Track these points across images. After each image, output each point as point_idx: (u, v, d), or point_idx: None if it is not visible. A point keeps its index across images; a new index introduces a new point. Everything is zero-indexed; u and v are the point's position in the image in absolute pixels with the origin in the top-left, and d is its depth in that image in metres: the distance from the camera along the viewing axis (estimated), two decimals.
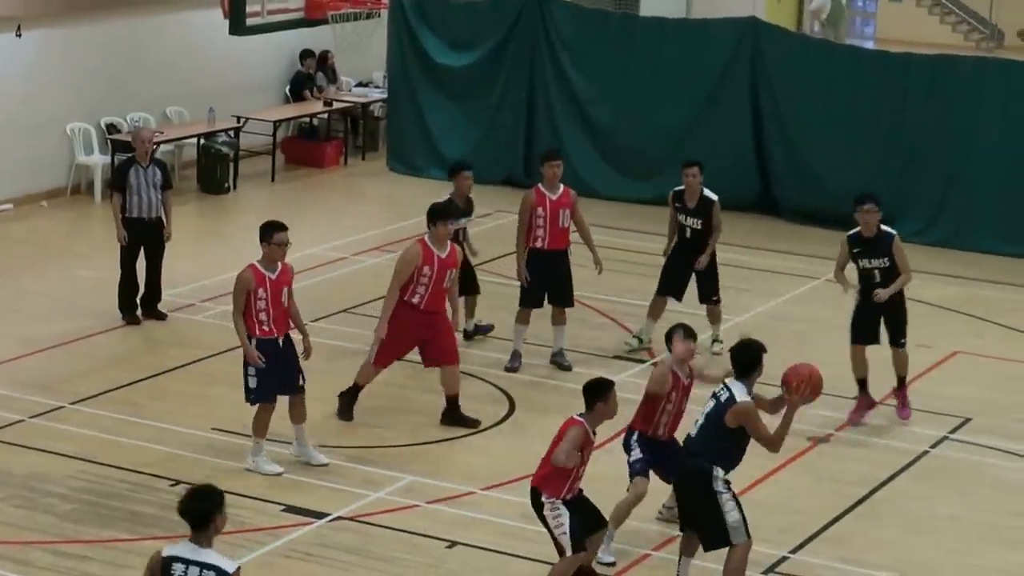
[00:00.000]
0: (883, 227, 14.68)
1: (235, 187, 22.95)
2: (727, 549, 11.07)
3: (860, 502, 13.31)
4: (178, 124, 23.29)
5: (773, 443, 11.10)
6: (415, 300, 14.06)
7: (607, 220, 21.41)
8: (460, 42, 24.02)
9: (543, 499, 10.94)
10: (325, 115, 25.10)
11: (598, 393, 10.90)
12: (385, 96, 25.12)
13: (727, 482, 11.07)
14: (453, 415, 14.44)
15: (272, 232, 13.15)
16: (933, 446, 14.55)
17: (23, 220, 20.91)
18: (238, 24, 21.88)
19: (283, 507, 12.65)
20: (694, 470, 11.05)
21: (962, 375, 16.31)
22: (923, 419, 15.06)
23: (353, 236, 20.58)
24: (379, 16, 24.24)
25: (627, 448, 12.10)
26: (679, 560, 11.42)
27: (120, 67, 22.57)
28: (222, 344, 16.08)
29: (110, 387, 15.00)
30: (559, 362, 15.93)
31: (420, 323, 14.15)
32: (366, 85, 26.33)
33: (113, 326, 16.77)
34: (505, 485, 13.23)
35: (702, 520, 11.10)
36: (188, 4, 23.17)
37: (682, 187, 16.32)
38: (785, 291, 18.97)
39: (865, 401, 14.93)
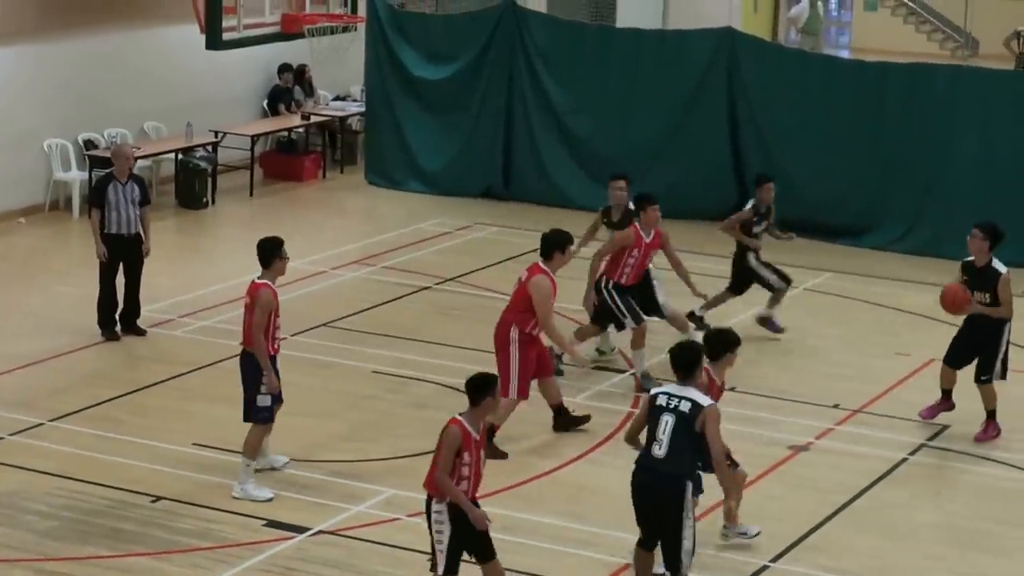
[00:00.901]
0: (995, 262, 14.67)
1: (213, 202, 22.94)
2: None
3: (840, 510, 13.35)
4: (156, 139, 23.27)
5: (721, 465, 11.00)
6: (535, 331, 14.27)
7: (584, 231, 21.44)
8: (437, 55, 24.03)
9: (432, 505, 10.70)
10: (303, 129, 25.10)
11: (486, 388, 10.64)
12: (363, 109, 25.12)
13: (694, 504, 11.00)
14: (563, 420, 14.72)
15: (280, 248, 13.16)
16: (911, 453, 14.59)
17: (1, 237, 20.87)
18: (214, 39, 21.87)
19: (264, 522, 12.65)
20: (670, 484, 10.85)
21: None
22: (901, 426, 15.12)
23: (332, 250, 20.58)
24: (356, 30, 24.26)
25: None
26: None
27: (97, 83, 22.55)
28: (201, 359, 16.08)
29: (90, 403, 14.98)
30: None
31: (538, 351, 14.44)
32: (344, 99, 26.33)
33: (92, 342, 16.75)
34: (486, 498, 13.24)
35: (661, 534, 11.00)
36: (164, 19, 23.16)
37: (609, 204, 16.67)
38: (762, 300, 18.95)
39: (945, 404, 15.11)
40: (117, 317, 16.99)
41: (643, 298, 16.14)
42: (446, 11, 27.85)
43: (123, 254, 16.88)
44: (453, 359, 16.29)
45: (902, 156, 21.49)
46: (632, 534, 12.38)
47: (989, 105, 21.04)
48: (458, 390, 15.39)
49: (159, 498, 12.96)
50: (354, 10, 24.48)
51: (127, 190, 16.79)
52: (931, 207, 21.34)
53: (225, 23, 21.90)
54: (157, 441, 14.13)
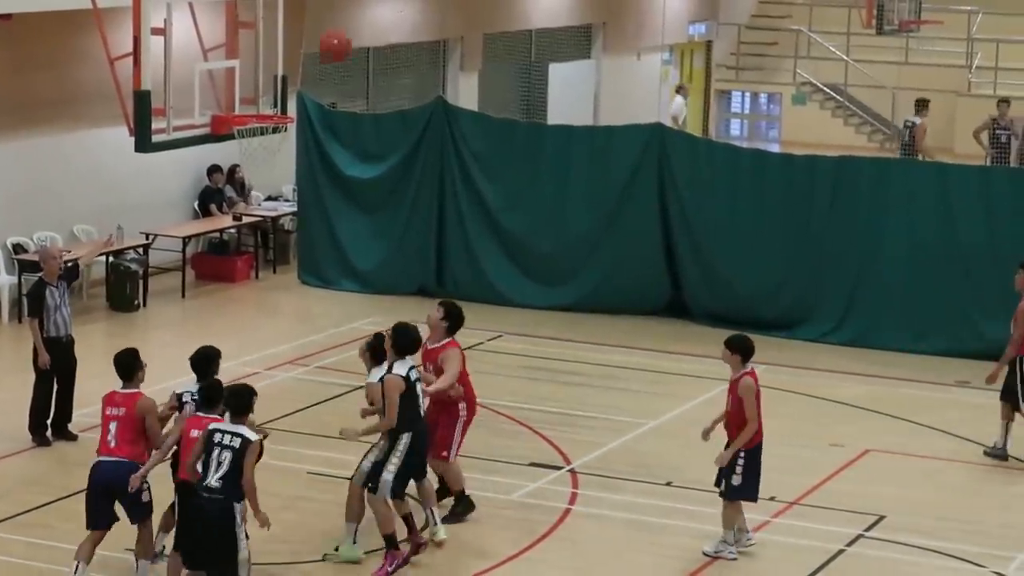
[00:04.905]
0: None
1: (145, 304, 22.80)
2: None
3: None
4: (86, 242, 23.15)
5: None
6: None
7: (521, 328, 21.50)
8: (368, 154, 24.07)
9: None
10: (235, 229, 25.06)
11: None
12: (295, 209, 25.13)
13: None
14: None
15: (139, 357, 14.16)
16: (848, 545, 14.59)
17: None
18: (144, 141, 21.69)
19: None
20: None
21: (874, 473, 16.41)
22: (838, 518, 15.12)
23: (266, 350, 20.47)
24: (286, 130, 24.24)
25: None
26: None
27: (26, 186, 22.45)
28: None
29: (20, 510, 14.79)
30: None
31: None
32: (275, 199, 26.33)
33: (23, 448, 16.57)
34: None
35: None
36: (93, 121, 23.10)
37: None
38: (698, 394, 19.00)
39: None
40: (48, 423, 16.83)
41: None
42: (377, 110, 27.91)
43: (59, 359, 16.77)
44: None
45: (832, 247, 21.64)
46: None
47: (915, 196, 21.24)
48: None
49: None
50: (284, 110, 24.39)
51: (60, 291, 16.78)
52: (862, 298, 21.47)
53: (154, 125, 21.71)
54: None
